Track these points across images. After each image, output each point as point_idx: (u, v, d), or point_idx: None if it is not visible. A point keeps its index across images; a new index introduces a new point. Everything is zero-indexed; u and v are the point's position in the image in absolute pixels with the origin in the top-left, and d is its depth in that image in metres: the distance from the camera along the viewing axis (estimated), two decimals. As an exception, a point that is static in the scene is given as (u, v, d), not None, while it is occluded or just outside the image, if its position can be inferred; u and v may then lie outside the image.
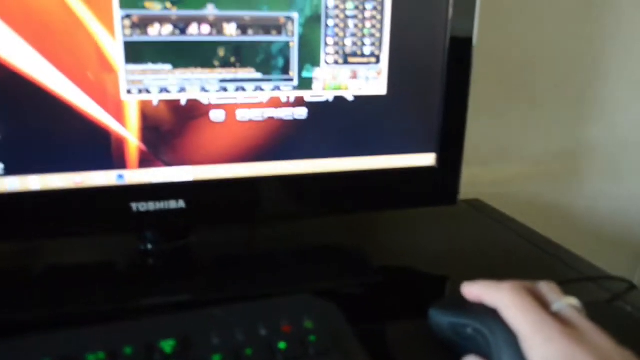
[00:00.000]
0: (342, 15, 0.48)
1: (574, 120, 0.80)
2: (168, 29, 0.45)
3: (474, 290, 0.39)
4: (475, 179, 0.70)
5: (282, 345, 0.35)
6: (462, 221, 0.67)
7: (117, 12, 0.44)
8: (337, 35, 0.49)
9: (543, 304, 0.36)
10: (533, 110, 0.78)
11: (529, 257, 0.59)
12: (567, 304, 0.36)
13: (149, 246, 0.55)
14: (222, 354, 0.34)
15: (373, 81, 0.51)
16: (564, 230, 0.68)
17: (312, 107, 0.50)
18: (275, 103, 0.49)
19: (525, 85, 0.76)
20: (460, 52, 0.52)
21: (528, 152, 0.80)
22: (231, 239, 0.59)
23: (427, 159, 0.55)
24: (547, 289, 0.38)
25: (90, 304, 0.47)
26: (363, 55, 0.50)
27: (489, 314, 0.37)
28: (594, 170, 0.83)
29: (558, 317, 0.35)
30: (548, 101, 0.78)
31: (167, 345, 0.35)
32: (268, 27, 0.47)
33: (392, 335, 0.42)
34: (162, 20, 0.45)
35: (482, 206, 0.72)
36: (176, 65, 0.46)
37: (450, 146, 0.55)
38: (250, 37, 0.47)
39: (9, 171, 0.46)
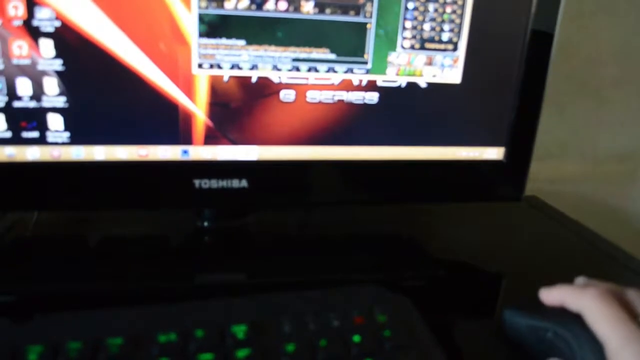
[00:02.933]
0: (422, -2, 0.46)
1: (638, 122, 0.77)
2: (244, 3, 0.44)
3: (555, 295, 0.38)
4: (533, 175, 0.68)
5: (356, 338, 0.34)
6: (518, 218, 0.65)
7: (195, -17, 0.43)
8: (415, 19, 0.47)
9: (630, 312, 0.34)
10: (598, 108, 0.75)
11: (590, 260, 0.57)
12: (657, 315, 0.34)
13: (205, 223, 0.54)
14: (296, 344, 0.33)
15: (448, 69, 0.49)
16: (619, 233, 0.65)
17: (384, 92, 0.48)
18: (347, 86, 0.48)
19: (592, 82, 0.73)
20: (540, 46, 0.50)
21: (589, 151, 0.77)
22: (287, 221, 0.58)
23: (495, 153, 0.53)
24: (635, 296, 0.36)
25: (149, 280, 0.46)
26: (441, 42, 0.48)
27: (573, 320, 0.35)
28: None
29: (647, 329, 0.33)
30: (615, 100, 0.75)
31: (239, 331, 0.34)
32: (346, 6, 0.45)
33: (464, 332, 0.41)
34: (239, -7, 0.43)
35: (539, 204, 0.70)
36: (250, 41, 0.45)
37: (521, 141, 0.53)
38: (328, 16, 0.45)
39: (75, 140, 0.45)
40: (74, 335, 0.32)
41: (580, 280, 0.40)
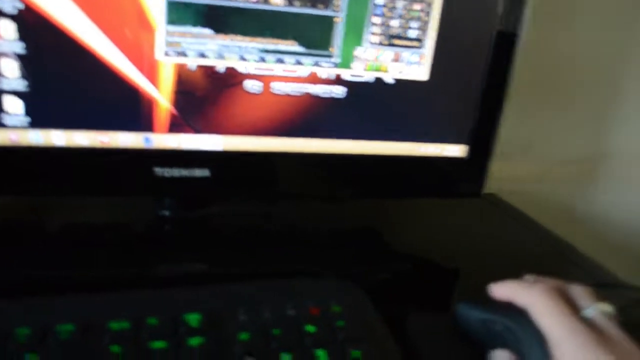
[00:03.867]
0: (391, -5, 0.47)
1: (598, 125, 0.79)
2: (212, -9, 0.43)
3: (503, 291, 0.39)
4: (494, 173, 0.69)
5: (310, 328, 0.35)
6: (475, 215, 0.66)
7: (162, -31, 0.42)
8: (384, 15, 0.47)
9: (574, 307, 0.36)
10: (560, 110, 0.76)
11: (544, 258, 0.58)
12: (599, 310, 0.35)
13: (167, 212, 0.54)
14: (250, 332, 0.34)
15: (415, 66, 0.49)
16: (575, 232, 0.67)
17: (351, 86, 0.49)
18: (314, 79, 0.48)
19: (554, 85, 0.75)
20: (505, 46, 0.51)
21: (550, 152, 0.79)
22: (250, 212, 0.58)
23: (457, 150, 0.54)
24: (579, 292, 0.37)
25: (104, 267, 0.46)
26: (408, 38, 0.48)
27: (520, 314, 0.36)
28: (612, 176, 0.82)
29: (589, 324, 0.34)
30: (576, 104, 0.77)
31: (193, 319, 0.34)
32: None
33: (418, 324, 0.41)
34: (207, -19, 0.43)
35: (497, 201, 0.71)
36: (217, 30, 0.45)
37: (483, 140, 0.54)
38: (296, 8, 0.45)
39: (35, 124, 0.44)
40: (22, 321, 0.32)
41: (528, 277, 0.42)
